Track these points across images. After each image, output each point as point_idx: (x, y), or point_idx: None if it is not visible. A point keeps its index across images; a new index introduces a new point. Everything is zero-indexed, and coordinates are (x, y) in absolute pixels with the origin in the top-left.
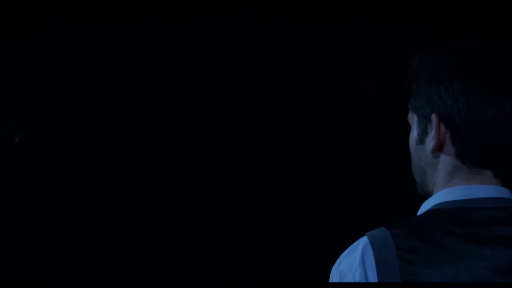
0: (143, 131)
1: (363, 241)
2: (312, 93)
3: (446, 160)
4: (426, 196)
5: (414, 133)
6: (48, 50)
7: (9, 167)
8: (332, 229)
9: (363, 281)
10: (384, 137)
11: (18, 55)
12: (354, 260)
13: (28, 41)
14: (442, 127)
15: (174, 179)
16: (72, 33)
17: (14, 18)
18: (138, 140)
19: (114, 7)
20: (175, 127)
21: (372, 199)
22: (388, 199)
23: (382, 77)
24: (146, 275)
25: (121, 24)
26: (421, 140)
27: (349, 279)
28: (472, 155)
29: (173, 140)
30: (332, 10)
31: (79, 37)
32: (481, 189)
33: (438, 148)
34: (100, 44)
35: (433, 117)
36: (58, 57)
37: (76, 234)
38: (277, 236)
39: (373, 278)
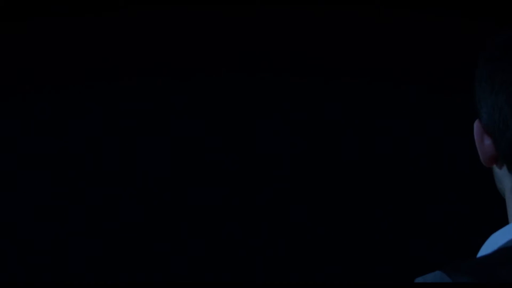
0: (144, 131)
1: None
2: (314, 94)
3: (505, 177)
4: None
5: None
6: (49, 50)
7: (9, 167)
8: (335, 231)
9: None
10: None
11: (18, 55)
12: None
13: (28, 41)
14: (486, 138)
15: (174, 179)
16: (75, 33)
17: (13, 18)
18: (140, 140)
19: (115, 7)
20: (175, 127)
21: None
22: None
23: (384, 77)
24: (145, 275)
25: (123, 24)
26: None
27: None
28: None
29: (173, 140)
30: (332, 9)
31: (81, 37)
32: None
33: (490, 162)
34: (102, 44)
35: (475, 125)
36: (59, 57)
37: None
38: (276, 236)
39: None
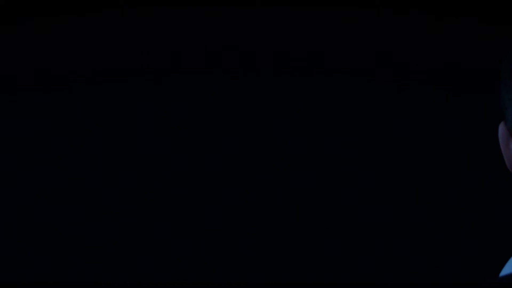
0: (144, 131)
1: None
2: (314, 93)
3: None
4: None
5: None
6: (49, 50)
7: (9, 167)
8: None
9: None
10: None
11: (18, 55)
12: None
13: (28, 41)
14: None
15: (174, 179)
16: (74, 33)
17: (13, 18)
18: (140, 140)
19: (115, 7)
20: (175, 127)
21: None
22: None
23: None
24: (145, 275)
25: (123, 24)
26: None
27: None
28: None
29: (173, 140)
30: (332, 9)
31: (81, 37)
32: None
33: None
34: (102, 44)
35: (499, 127)
36: (58, 57)
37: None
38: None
39: None
